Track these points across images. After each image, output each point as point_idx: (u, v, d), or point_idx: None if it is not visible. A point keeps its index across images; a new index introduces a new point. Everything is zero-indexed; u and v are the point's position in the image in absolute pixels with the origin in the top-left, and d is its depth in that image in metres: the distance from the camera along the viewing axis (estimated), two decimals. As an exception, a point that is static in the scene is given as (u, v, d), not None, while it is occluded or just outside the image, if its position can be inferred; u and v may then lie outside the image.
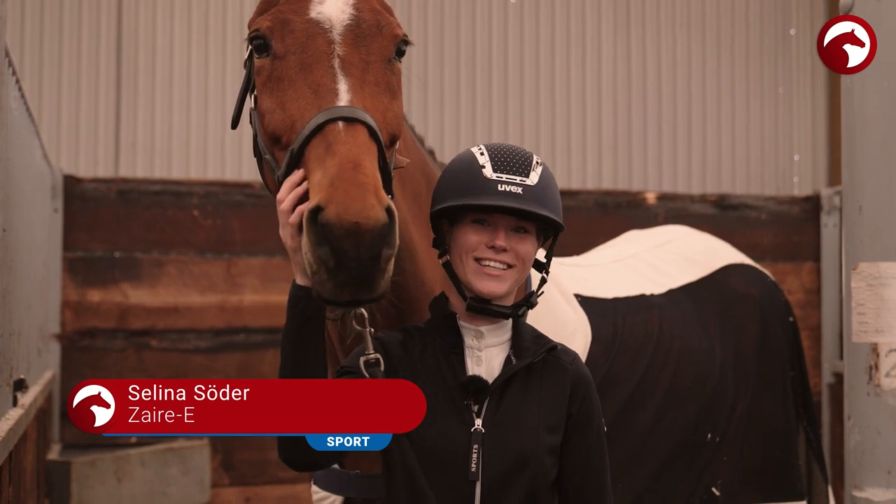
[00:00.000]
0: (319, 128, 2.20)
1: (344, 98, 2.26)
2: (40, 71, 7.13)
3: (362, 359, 2.32)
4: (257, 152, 2.53)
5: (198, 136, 7.35)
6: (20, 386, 3.74)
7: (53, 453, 5.72)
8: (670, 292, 3.84)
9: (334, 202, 2.04)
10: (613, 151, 8.22)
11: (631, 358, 3.50)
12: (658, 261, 4.04)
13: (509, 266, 2.39)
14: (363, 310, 2.30)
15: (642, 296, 3.73)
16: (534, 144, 8.02)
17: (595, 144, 8.19)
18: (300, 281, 2.22)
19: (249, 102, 2.57)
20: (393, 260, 2.13)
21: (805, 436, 4.19)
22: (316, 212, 2.06)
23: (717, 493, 3.71)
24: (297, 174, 2.19)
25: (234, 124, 2.68)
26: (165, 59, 7.34)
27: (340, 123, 2.20)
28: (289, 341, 2.23)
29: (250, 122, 2.55)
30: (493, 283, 2.37)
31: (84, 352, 6.18)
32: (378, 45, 2.40)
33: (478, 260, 2.39)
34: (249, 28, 2.51)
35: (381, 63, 2.40)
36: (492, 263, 2.37)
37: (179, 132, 7.32)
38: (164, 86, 7.32)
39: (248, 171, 7.36)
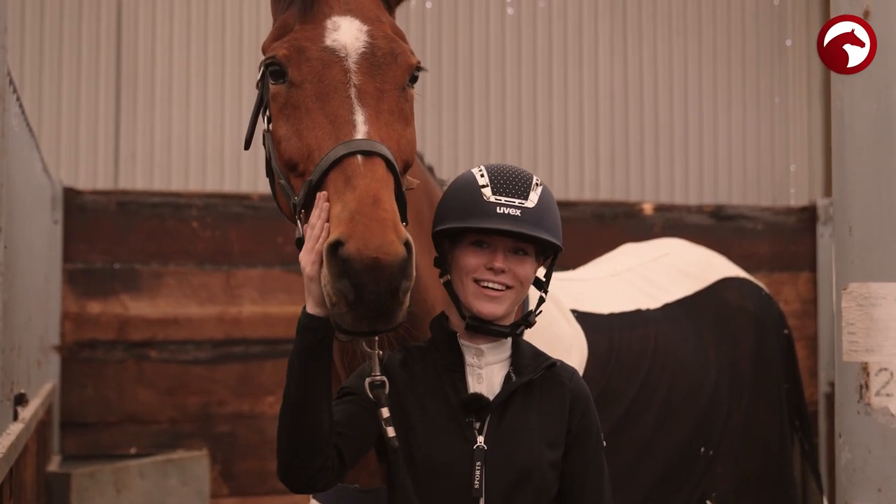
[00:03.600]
0: (338, 161, 2.22)
1: (361, 130, 2.28)
2: (40, 83, 7.16)
3: (368, 380, 2.33)
4: (270, 173, 2.55)
5: (197, 148, 7.38)
6: (21, 400, 3.76)
7: (53, 465, 5.74)
8: (666, 307, 3.87)
9: (354, 237, 2.07)
10: (610, 162, 8.26)
11: (627, 373, 3.52)
12: (653, 274, 4.06)
13: (508, 287, 2.41)
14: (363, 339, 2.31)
15: (638, 311, 3.76)
16: (531, 155, 8.05)
17: (592, 155, 8.22)
18: (311, 309, 2.22)
19: (262, 123, 2.58)
20: (410, 291, 2.16)
21: (800, 447, 4.22)
22: (336, 245, 2.09)
23: None
24: (323, 195, 2.20)
25: (247, 145, 2.69)
26: (164, 72, 7.38)
27: (359, 157, 2.23)
28: (296, 366, 2.24)
29: (263, 143, 2.56)
30: (492, 305, 2.40)
31: (84, 363, 6.20)
32: (393, 73, 2.42)
33: (477, 281, 2.41)
34: (264, 52, 2.52)
35: (396, 91, 2.42)
36: (491, 285, 2.39)
37: (178, 144, 7.35)
38: (164, 98, 7.35)
39: (247, 182, 7.38)
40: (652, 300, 3.87)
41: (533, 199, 2.41)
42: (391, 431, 2.29)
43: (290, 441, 2.26)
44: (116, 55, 7.31)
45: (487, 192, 2.41)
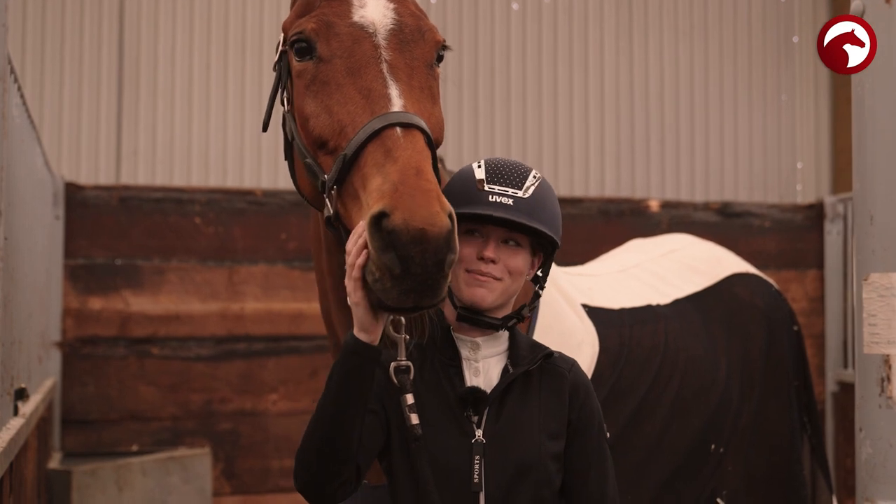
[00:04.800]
0: (376, 133, 2.18)
1: (397, 103, 2.24)
2: (42, 78, 7.12)
3: (393, 365, 2.28)
4: (289, 156, 2.50)
5: (199, 143, 7.33)
6: (21, 395, 3.72)
7: (54, 462, 5.69)
8: (676, 302, 3.82)
9: (400, 208, 2.02)
10: (616, 159, 8.21)
11: (638, 369, 3.48)
12: (663, 270, 4.02)
13: (496, 278, 2.37)
14: (401, 316, 2.26)
15: (648, 306, 3.71)
16: (536, 152, 8.00)
17: (598, 152, 8.17)
18: (357, 334, 2.17)
19: (279, 105, 2.54)
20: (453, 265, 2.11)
21: (809, 445, 4.17)
22: (380, 217, 2.04)
23: (722, 503, 3.69)
24: (362, 225, 2.12)
25: (265, 127, 2.64)
26: (167, 66, 7.33)
27: (398, 129, 2.19)
28: (336, 386, 2.20)
29: (283, 126, 2.51)
30: (482, 290, 2.36)
31: (85, 359, 6.16)
32: (421, 50, 2.40)
33: (468, 271, 2.37)
34: (286, 30, 2.49)
35: (424, 68, 2.40)
36: (479, 273, 2.36)
37: (181, 139, 7.30)
38: (166, 93, 7.31)
39: (250, 178, 7.34)
40: (661, 296, 3.82)
41: (528, 191, 2.37)
42: (415, 418, 2.24)
43: (318, 455, 2.22)
44: (119, 49, 7.27)
45: (481, 180, 2.38)
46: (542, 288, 2.53)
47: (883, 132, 2.21)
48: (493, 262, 2.36)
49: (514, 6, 8.07)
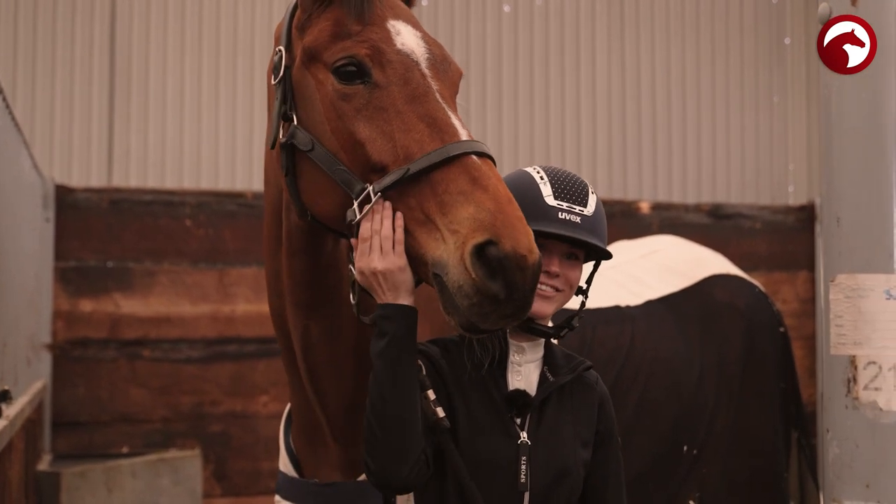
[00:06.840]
0: (454, 158, 2.22)
1: (462, 133, 2.30)
2: (33, 80, 7.12)
3: None
4: (290, 169, 2.46)
5: (191, 146, 7.34)
6: (5, 397, 3.73)
7: (44, 464, 5.69)
8: (648, 304, 3.83)
9: (505, 237, 2.09)
10: (608, 160, 8.21)
11: (600, 370, 3.49)
12: (640, 272, 4.02)
13: (558, 290, 2.44)
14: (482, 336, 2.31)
15: (616, 307, 3.72)
16: (528, 153, 8.01)
17: (589, 153, 8.18)
18: (405, 300, 2.22)
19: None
20: None
21: (798, 446, 4.18)
22: (484, 246, 2.10)
23: None
24: (398, 211, 2.21)
25: (273, 144, 2.57)
26: (159, 69, 7.34)
27: (475, 157, 2.24)
28: (396, 356, 2.23)
29: (288, 139, 2.44)
30: (544, 305, 2.42)
31: (76, 361, 6.17)
32: (451, 78, 2.47)
33: None
34: (320, 51, 2.43)
35: (455, 96, 2.47)
36: (544, 286, 2.40)
37: (172, 142, 7.31)
38: (158, 95, 7.31)
39: (242, 180, 7.35)
40: (634, 297, 3.83)
41: (591, 207, 2.45)
42: (441, 412, 2.29)
43: (394, 434, 2.23)
44: (110, 52, 7.28)
45: (549, 196, 2.43)
46: (586, 297, 2.61)
47: (849, 134, 2.22)
48: (557, 275, 2.43)
49: (506, 8, 8.08)
